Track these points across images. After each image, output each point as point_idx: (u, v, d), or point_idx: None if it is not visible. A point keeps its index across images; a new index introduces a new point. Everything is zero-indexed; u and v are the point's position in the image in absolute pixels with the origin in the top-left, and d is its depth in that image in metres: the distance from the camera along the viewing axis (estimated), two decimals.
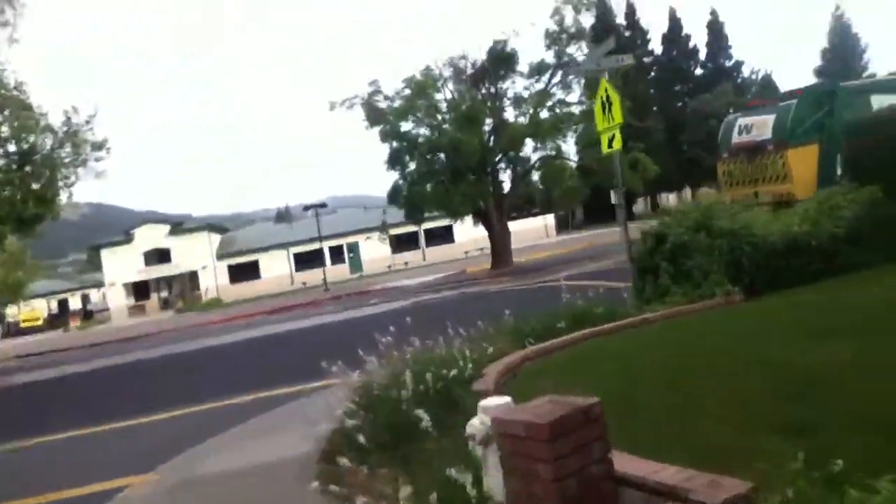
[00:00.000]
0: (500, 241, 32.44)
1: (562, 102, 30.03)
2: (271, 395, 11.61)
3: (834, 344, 6.60)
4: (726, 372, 6.49)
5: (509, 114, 31.89)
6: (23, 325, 67.47)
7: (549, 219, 66.51)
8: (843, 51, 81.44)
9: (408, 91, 31.29)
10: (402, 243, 64.28)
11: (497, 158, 31.73)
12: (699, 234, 11.31)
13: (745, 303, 10.78)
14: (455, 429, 5.71)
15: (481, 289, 25.11)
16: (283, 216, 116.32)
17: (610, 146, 12.24)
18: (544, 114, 29.49)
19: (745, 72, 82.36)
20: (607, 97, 12.66)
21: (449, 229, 64.02)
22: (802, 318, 8.53)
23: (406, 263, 58.70)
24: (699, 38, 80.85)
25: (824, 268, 11.73)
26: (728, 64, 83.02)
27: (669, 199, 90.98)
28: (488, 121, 31.25)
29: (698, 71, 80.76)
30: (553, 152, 30.68)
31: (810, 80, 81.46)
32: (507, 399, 4.39)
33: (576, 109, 30.67)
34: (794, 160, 15.83)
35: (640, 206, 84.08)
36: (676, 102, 78.72)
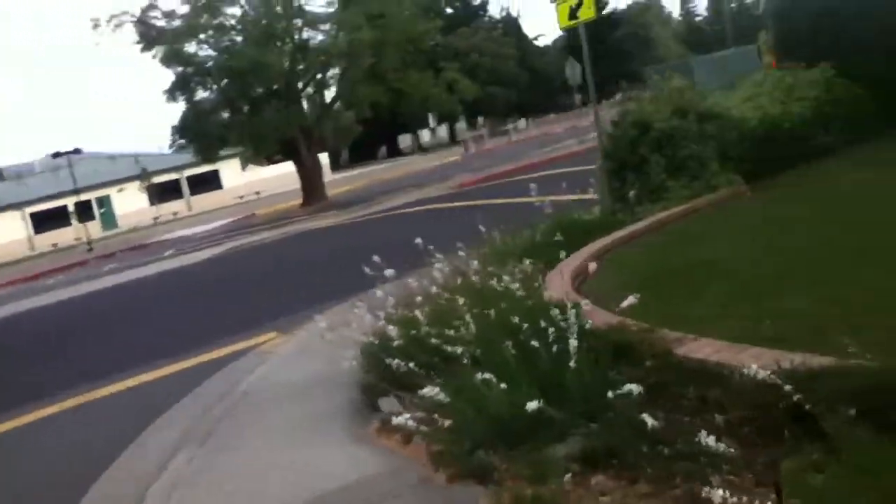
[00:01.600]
0: (312, 175, 28.89)
1: (378, 16, 26.55)
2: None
3: None
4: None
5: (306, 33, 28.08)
6: None
7: (325, 157, 62.93)
8: None
9: (187, 7, 26.37)
10: (161, 194, 57.60)
11: (302, 83, 27.99)
12: (686, 119, 9.40)
13: (756, 194, 9.10)
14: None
15: (314, 224, 21.82)
16: None
17: (573, 17, 9.72)
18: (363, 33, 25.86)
19: (494, 10, 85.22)
20: None
21: (216, 174, 58.44)
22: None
23: (175, 214, 52.56)
24: None
25: (799, 153, 10.49)
26: (475, 2, 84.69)
27: (429, 134, 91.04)
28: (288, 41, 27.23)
29: (448, 10, 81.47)
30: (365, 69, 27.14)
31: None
32: None
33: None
34: None
35: (406, 142, 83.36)
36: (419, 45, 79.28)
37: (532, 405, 3.47)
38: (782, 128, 10.32)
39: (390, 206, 21.61)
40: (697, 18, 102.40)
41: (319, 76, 28.06)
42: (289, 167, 59.86)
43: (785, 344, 3.93)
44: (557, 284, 6.21)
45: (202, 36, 26.79)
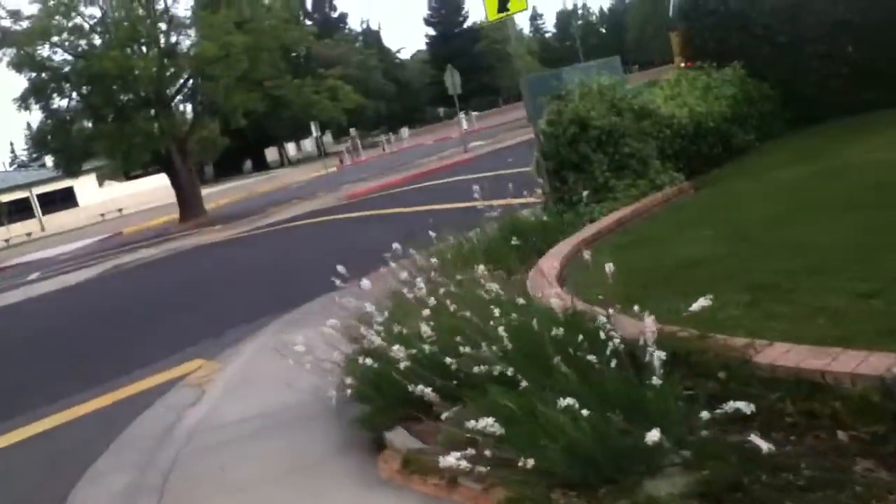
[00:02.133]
0: (188, 188, 27.01)
1: (247, 21, 25.07)
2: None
3: None
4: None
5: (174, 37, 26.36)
6: None
7: None
8: (446, 1, 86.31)
9: (36, 6, 24.09)
10: (9, 214, 53.01)
11: (174, 89, 26.17)
12: (623, 117, 9.12)
13: (699, 192, 8.94)
14: None
15: (201, 240, 20.25)
16: None
17: (503, 9, 9.21)
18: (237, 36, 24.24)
19: (354, 22, 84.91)
20: None
21: (70, 192, 54.47)
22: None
23: (29, 235, 48.32)
24: None
25: (724, 151, 10.55)
26: (334, 15, 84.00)
27: (295, 147, 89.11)
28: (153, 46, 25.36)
29: (308, 22, 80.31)
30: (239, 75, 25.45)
31: (421, 28, 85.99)
32: None
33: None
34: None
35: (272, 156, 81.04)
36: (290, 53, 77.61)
37: (653, 435, 2.86)
38: (708, 126, 10.32)
39: (283, 218, 20.46)
40: (547, 35, 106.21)
41: (191, 82, 26.39)
42: (149, 183, 56.78)
43: (866, 344, 3.55)
44: (549, 289, 5.66)
45: (56, 38, 24.54)
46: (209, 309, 10.04)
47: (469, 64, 73.62)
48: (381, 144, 57.33)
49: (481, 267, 4.76)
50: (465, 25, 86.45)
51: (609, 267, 4.30)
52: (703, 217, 7.34)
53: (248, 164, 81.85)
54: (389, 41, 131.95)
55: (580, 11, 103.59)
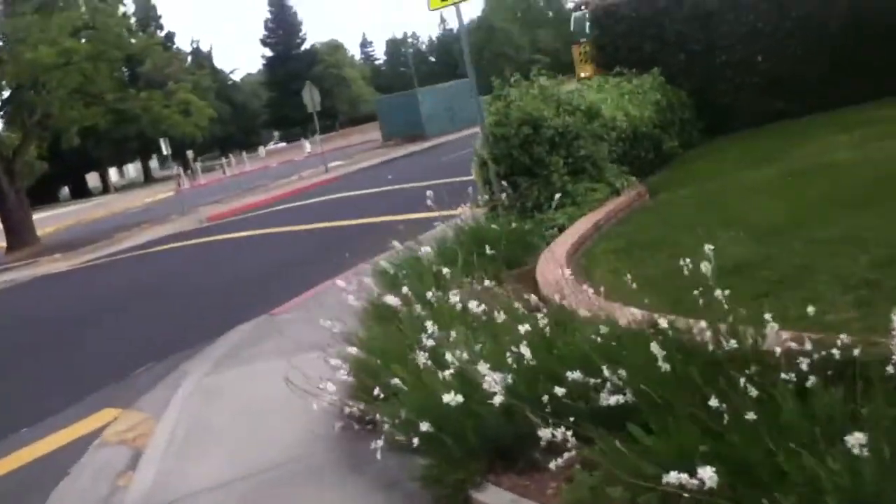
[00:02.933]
0: (17, 213, 23.70)
1: (86, 27, 22.37)
2: None
3: None
4: None
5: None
6: None
7: None
8: (283, 22, 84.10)
9: None
10: None
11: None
12: (574, 117, 8.47)
13: (656, 196, 8.44)
14: None
15: (41, 271, 17.44)
16: None
17: None
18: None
19: (183, 42, 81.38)
20: None
21: None
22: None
23: None
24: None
25: (655, 157, 10.23)
26: (161, 34, 79.68)
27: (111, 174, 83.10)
28: None
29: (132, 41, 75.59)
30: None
31: (257, 49, 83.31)
32: None
33: None
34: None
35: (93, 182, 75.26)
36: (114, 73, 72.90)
37: None
38: (642, 130, 9.96)
39: (138, 243, 18.27)
40: (377, 62, 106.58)
41: (19, 93, 23.26)
42: None
43: None
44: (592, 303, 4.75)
45: None
46: (97, 347, 8.27)
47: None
48: (220, 168, 54.62)
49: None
50: (302, 48, 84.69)
51: (705, 266, 3.50)
52: (697, 220, 6.71)
53: (66, 190, 75.56)
54: (221, 63, 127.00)
55: (410, 40, 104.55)
